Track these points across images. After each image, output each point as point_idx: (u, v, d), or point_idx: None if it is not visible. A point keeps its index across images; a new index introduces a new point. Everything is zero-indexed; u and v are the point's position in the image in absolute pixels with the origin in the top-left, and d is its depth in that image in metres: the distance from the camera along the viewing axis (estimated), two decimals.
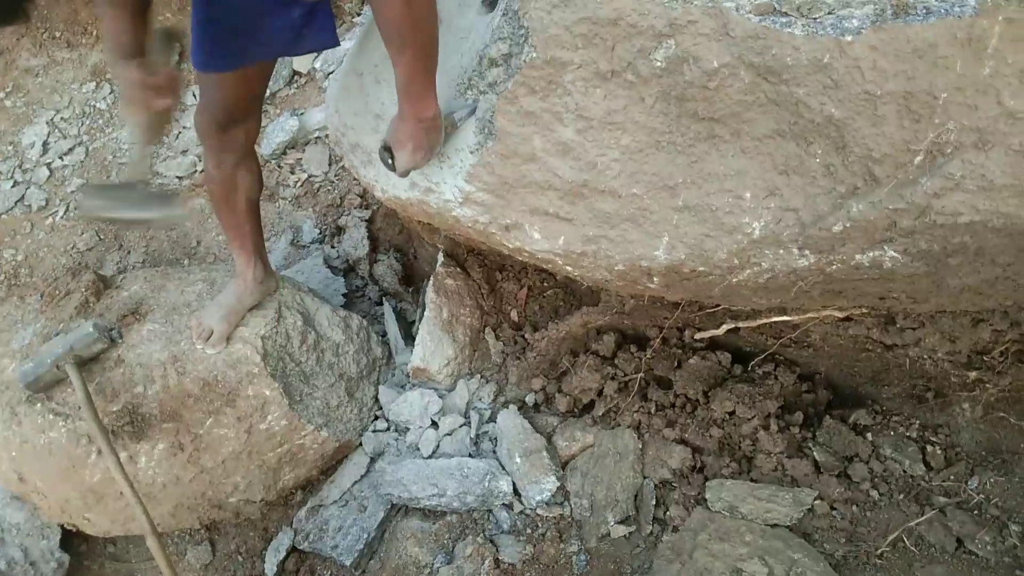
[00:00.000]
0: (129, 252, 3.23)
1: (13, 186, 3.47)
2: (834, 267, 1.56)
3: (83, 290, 2.45)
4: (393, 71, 1.57)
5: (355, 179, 2.86)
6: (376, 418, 2.64)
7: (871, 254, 1.52)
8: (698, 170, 1.56)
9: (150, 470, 2.28)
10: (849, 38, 1.36)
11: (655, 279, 1.75)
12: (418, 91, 1.59)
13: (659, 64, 1.50)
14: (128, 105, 1.59)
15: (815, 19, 1.40)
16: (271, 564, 2.45)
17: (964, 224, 1.41)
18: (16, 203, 3.42)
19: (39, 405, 2.26)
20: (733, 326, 2.16)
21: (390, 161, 1.74)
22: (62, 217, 3.36)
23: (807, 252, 1.55)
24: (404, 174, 1.76)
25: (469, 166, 1.81)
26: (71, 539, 2.54)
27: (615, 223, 1.69)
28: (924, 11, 1.33)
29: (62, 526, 2.48)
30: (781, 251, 1.56)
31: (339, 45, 1.89)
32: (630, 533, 2.25)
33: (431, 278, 2.71)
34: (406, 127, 1.65)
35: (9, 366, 2.35)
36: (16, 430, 2.26)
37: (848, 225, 1.48)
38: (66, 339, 2.22)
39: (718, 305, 2.15)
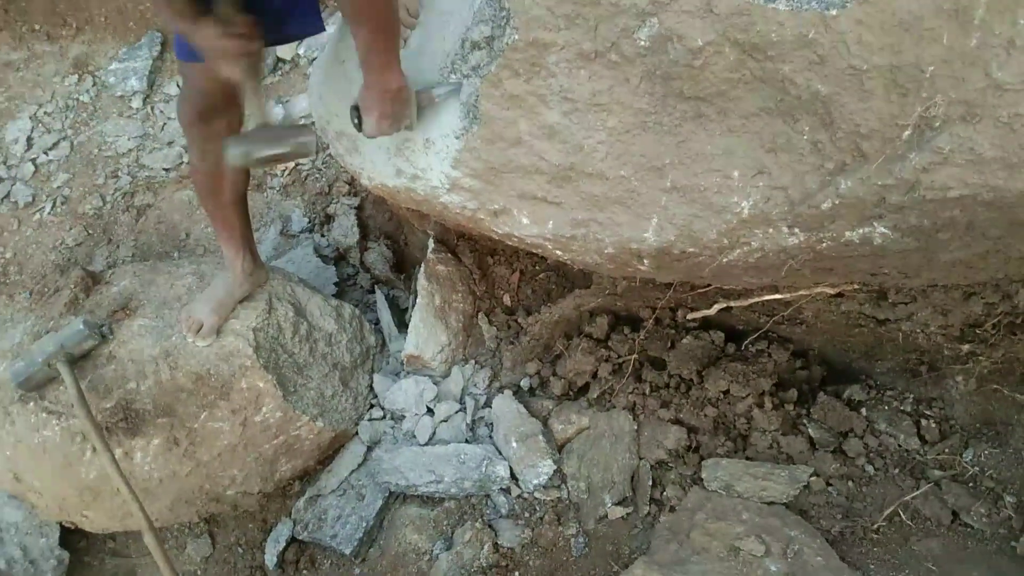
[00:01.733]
0: (118, 246, 3.21)
1: None
2: (824, 244, 1.55)
3: (72, 287, 2.44)
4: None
5: (342, 167, 2.84)
6: (371, 407, 2.63)
7: (861, 231, 1.51)
8: (685, 150, 1.54)
9: (146, 466, 2.27)
10: (834, 12, 1.34)
11: (645, 261, 1.74)
12: (378, 63, 1.58)
13: (643, 43, 1.48)
14: (220, 62, 1.56)
15: None
16: (271, 555, 2.45)
17: (954, 198, 1.39)
18: (2, 200, 3.38)
19: (32, 404, 2.25)
20: (725, 305, 2.15)
21: (357, 122, 1.72)
22: (49, 213, 3.32)
23: (797, 230, 1.54)
24: (371, 137, 1.75)
25: (455, 151, 1.79)
26: (71, 536, 2.54)
27: (604, 206, 1.68)
28: None
29: (61, 524, 2.48)
30: (771, 230, 1.55)
31: (324, 31, 1.87)
32: (627, 514, 2.25)
33: (422, 265, 2.70)
34: (371, 95, 1.64)
35: (0, 366, 2.33)
36: (10, 430, 2.25)
37: (837, 202, 1.46)
38: (56, 337, 2.20)
39: (710, 285, 2.14)
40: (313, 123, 3.36)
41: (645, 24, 1.47)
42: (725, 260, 1.65)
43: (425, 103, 1.74)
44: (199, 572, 2.53)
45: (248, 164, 1.75)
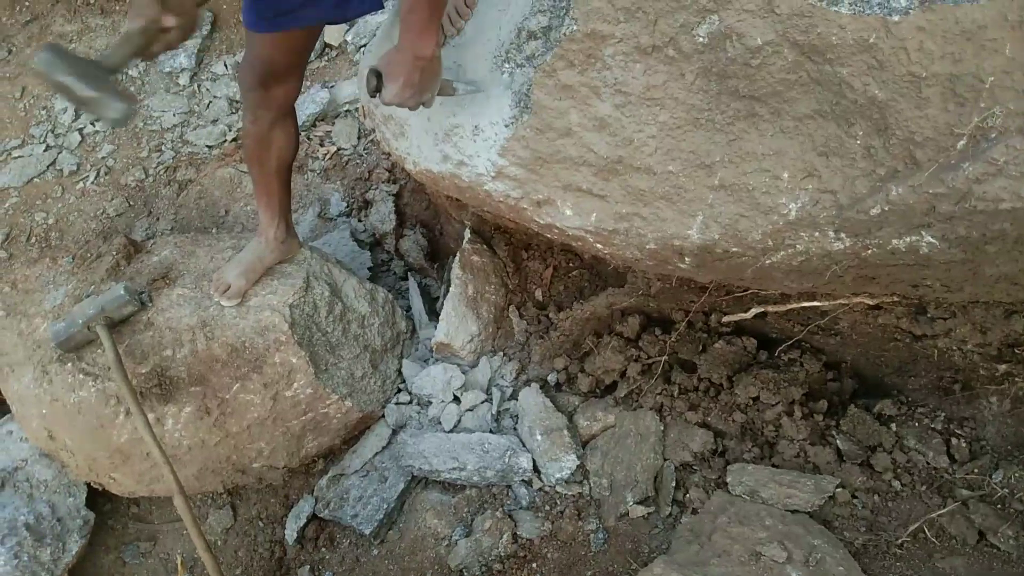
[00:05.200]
0: (158, 219, 3.26)
1: (45, 150, 3.51)
2: (870, 251, 1.55)
3: (114, 253, 2.48)
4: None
5: (385, 153, 2.87)
6: (399, 391, 2.66)
7: (908, 239, 1.50)
8: (736, 149, 1.55)
9: (176, 432, 2.31)
10: (896, 18, 1.34)
11: (687, 259, 1.74)
12: (418, 25, 1.54)
13: (701, 40, 1.49)
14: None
15: None
16: (291, 530, 2.48)
17: (1005, 211, 1.39)
18: (48, 167, 3.45)
19: (70, 365, 2.29)
20: (761, 310, 2.15)
21: (375, 84, 1.65)
22: (93, 182, 3.39)
23: (843, 235, 1.54)
24: (387, 105, 1.69)
25: (503, 140, 1.81)
26: (96, 498, 2.58)
27: (649, 201, 1.68)
28: None
29: (88, 484, 2.52)
30: (817, 233, 1.55)
31: (383, 8, 1.90)
32: (649, 514, 2.25)
33: (457, 254, 2.72)
34: (401, 60, 1.60)
35: (41, 325, 2.38)
36: (47, 388, 2.30)
37: (886, 208, 1.46)
38: (97, 300, 2.24)
39: (746, 289, 2.14)
40: (356, 108, 3.41)
41: (705, 21, 1.48)
42: (768, 262, 1.65)
43: (446, 90, 1.74)
44: (220, 543, 2.56)
45: (45, 75, 1.47)
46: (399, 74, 1.62)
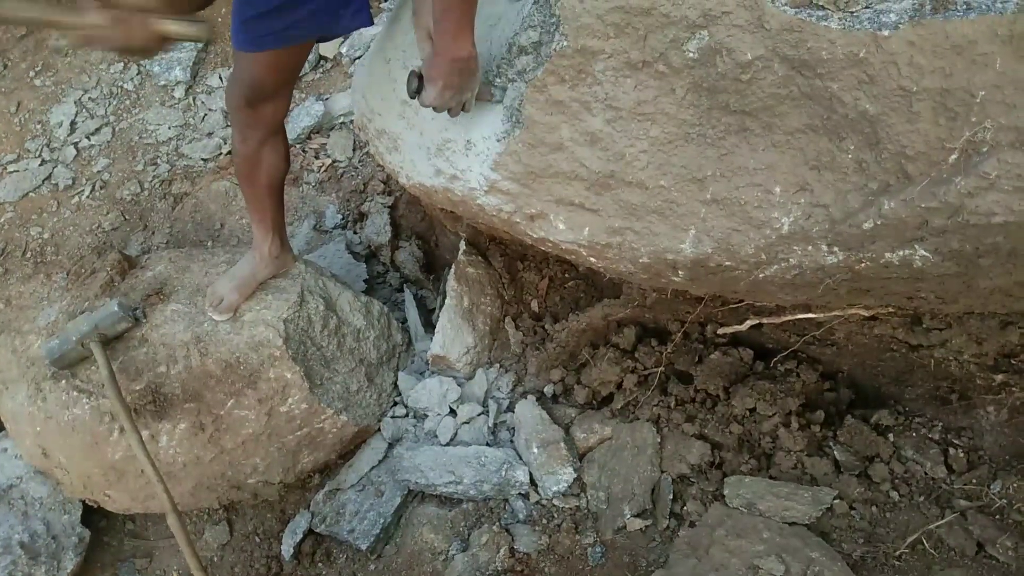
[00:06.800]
0: (153, 233, 3.26)
1: (40, 164, 3.50)
2: (863, 265, 1.54)
3: (108, 269, 2.48)
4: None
5: (379, 165, 2.86)
6: (395, 404, 2.65)
7: (901, 253, 1.50)
8: (728, 163, 1.54)
9: (171, 449, 2.30)
10: (886, 33, 1.34)
11: (680, 273, 1.74)
12: (451, 27, 1.55)
13: (691, 55, 1.49)
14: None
15: (852, 13, 1.38)
16: (288, 546, 2.47)
17: (998, 224, 1.38)
18: (43, 181, 3.45)
19: (63, 382, 2.29)
20: (756, 322, 2.14)
21: (416, 86, 1.67)
22: (88, 196, 3.39)
23: (836, 249, 1.53)
24: (426, 107, 1.70)
25: (495, 154, 1.80)
26: (92, 515, 2.57)
27: (641, 215, 1.68)
28: (964, 7, 1.31)
29: (83, 502, 2.51)
30: (810, 247, 1.55)
31: (373, 24, 1.90)
32: (646, 527, 2.24)
33: (452, 266, 2.71)
34: (438, 63, 1.61)
35: (35, 342, 2.38)
36: (41, 406, 2.29)
37: (879, 223, 1.45)
38: (91, 317, 2.24)
39: (741, 300, 2.13)
40: (352, 121, 3.40)
41: (695, 36, 1.47)
42: (761, 276, 1.64)
43: (484, 96, 1.74)
44: (216, 559, 2.55)
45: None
46: (438, 76, 1.62)
